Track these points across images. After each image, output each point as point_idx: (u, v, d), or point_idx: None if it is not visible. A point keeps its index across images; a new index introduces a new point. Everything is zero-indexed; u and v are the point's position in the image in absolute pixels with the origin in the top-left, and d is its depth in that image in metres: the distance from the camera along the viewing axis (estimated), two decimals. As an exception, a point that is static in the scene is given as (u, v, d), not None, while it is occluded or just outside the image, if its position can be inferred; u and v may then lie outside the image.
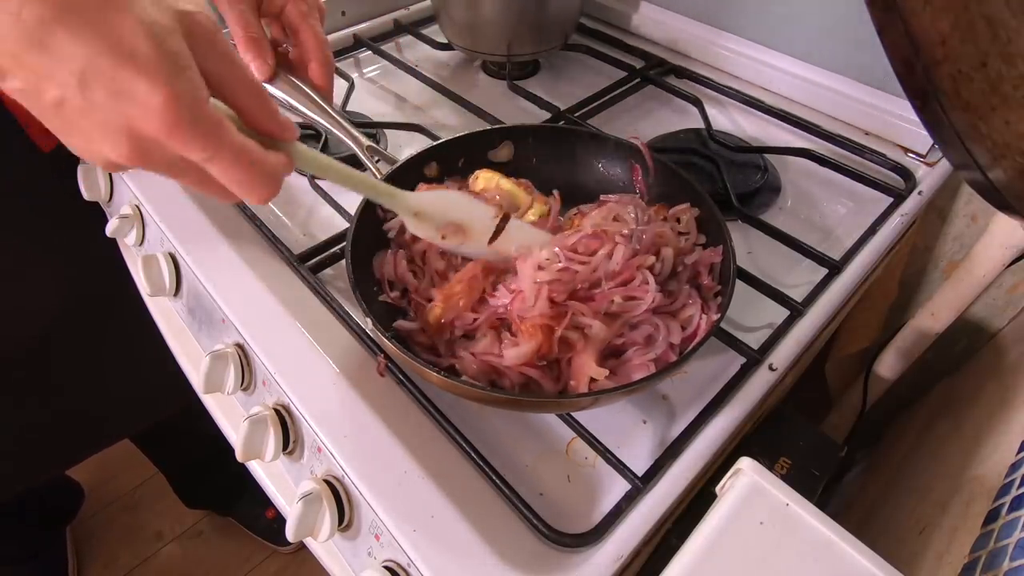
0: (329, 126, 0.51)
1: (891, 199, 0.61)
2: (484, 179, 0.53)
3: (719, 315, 0.43)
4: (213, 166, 0.30)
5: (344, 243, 0.50)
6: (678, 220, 0.50)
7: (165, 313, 0.64)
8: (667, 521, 0.42)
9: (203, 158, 0.29)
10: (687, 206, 0.50)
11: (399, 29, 0.85)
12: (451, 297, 0.44)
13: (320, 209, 0.60)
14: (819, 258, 0.54)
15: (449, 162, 0.55)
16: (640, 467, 0.41)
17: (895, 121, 0.68)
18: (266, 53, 0.49)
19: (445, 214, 0.44)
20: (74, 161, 0.69)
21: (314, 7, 0.51)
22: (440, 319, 0.44)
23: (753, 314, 0.51)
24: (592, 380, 0.41)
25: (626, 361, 0.42)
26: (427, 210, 0.44)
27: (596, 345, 0.42)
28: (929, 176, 0.64)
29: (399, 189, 0.43)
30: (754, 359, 0.47)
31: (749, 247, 0.58)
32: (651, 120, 0.73)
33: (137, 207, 0.61)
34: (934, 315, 0.69)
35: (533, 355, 0.41)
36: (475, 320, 0.44)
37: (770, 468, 0.36)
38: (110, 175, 0.65)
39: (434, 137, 0.64)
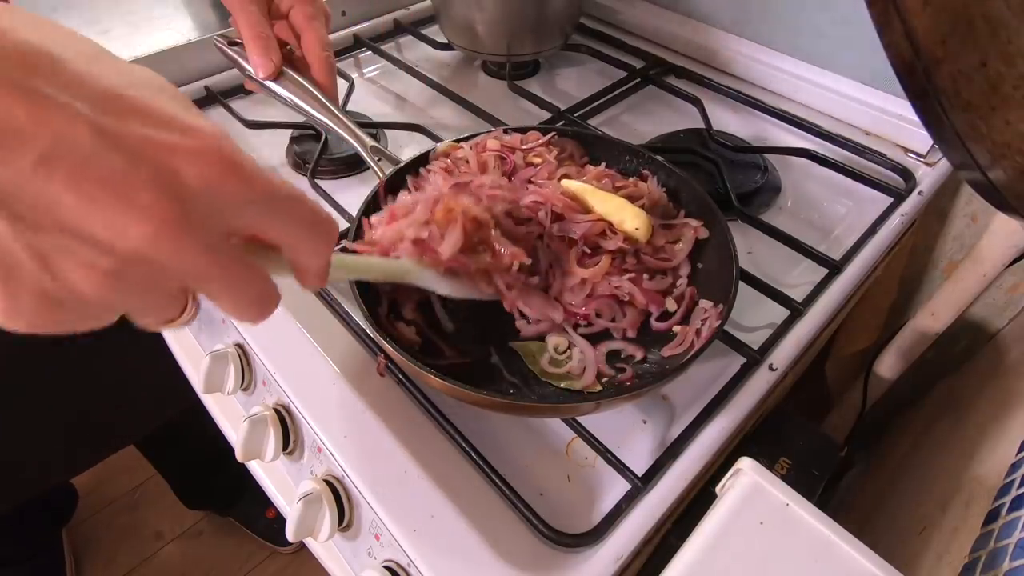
0: (333, 125, 0.51)
1: (891, 199, 0.61)
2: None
3: (720, 321, 0.42)
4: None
5: (344, 243, 0.50)
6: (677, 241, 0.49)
7: (165, 313, 0.63)
8: (667, 521, 0.42)
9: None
10: (685, 223, 0.49)
11: (399, 29, 0.85)
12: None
13: (320, 209, 0.59)
14: (819, 258, 0.54)
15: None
16: (640, 467, 0.41)
17: (895, 121, 0.68)
18: (272, 51, 0.50)
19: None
20: None
21: (320, 11, 0.53)
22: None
23: (753, 314, 0.51)
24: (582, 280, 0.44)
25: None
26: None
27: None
28: (929, 176, 0.64)
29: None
30: (754, 359, 0.47)
31: (749, 247, 0.58)
32: (651, 120, 0.73)
33: (137, 207, 0.61)
34: (934, 315, 0.69)
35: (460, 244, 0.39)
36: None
37: (770, 468, 0.36)
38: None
39: (435, 137, 0.64)
